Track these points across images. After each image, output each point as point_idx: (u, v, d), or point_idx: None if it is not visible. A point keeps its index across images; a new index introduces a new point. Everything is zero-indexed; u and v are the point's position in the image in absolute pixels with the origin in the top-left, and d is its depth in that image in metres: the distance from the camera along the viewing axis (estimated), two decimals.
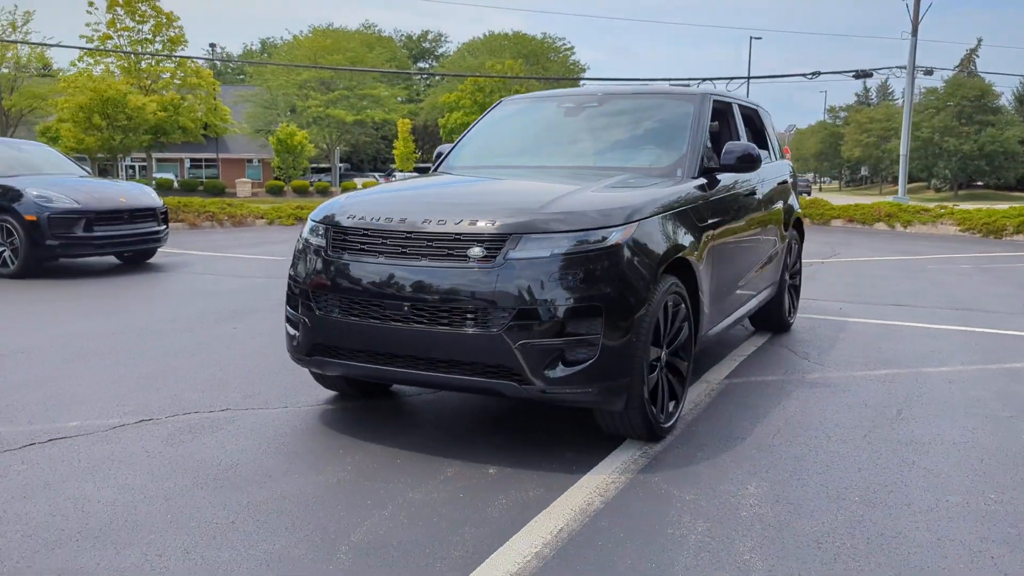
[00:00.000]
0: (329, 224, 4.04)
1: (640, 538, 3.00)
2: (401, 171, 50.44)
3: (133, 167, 57.78)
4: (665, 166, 4.66)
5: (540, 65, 64.86)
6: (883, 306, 7.86)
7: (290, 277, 4.15)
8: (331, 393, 4.75)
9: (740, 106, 5.83)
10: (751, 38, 54.02)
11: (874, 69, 29.69)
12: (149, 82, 43.69)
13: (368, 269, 3.78)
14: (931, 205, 18.15)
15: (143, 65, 44.00)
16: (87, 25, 44.55)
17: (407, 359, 3.74)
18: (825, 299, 8.19)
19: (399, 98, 62.63)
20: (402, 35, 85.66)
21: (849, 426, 4.25)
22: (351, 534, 3.02)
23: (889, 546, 2.94)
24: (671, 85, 7.29)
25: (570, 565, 2.79)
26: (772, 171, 6.04)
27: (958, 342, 6.29)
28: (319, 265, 3.96)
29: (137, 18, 43.49)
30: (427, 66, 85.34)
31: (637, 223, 3.74)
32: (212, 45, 49.92)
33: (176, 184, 47.16)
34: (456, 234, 3.65)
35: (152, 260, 11.22)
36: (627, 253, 3.64)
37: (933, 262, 11.96)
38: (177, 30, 44.35)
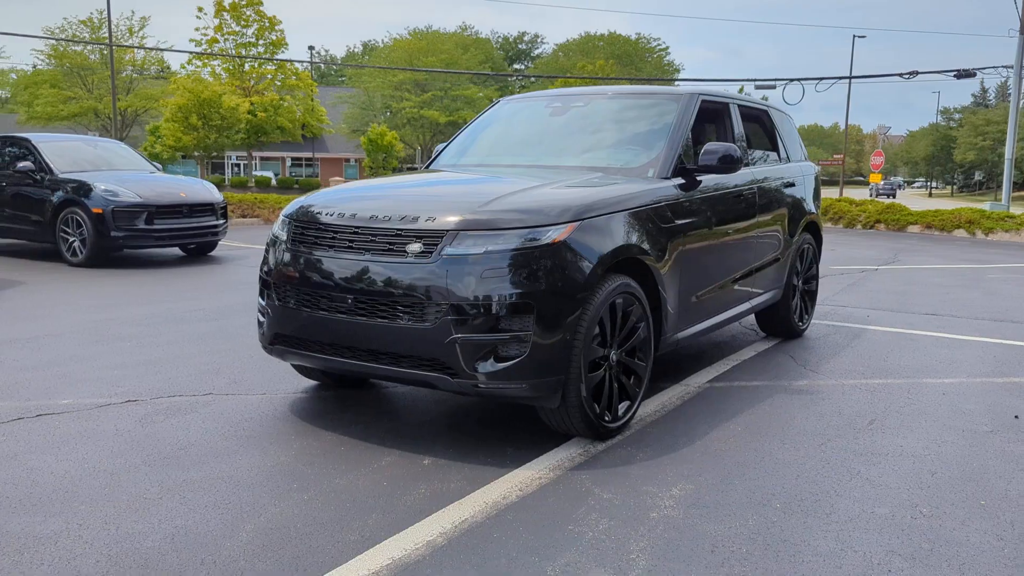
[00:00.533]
0: (291, 218, 4.20)
1: (537, 533, 3.03)
2: None
3: (238, 165, 60.30)
4: (638, 166, 4.65)
5: (633, 66, 64.35)
6: (916, 315, 7.56)
7: (260, 269, 4.33)
8: (311, 383, 4.92)
9: (742, 107, 5.73)
10: (854, 36, 52.14)
11: (977, 69, 28.14)
12: (251, 83, 45.49)
13: (319, 262, 3.92)
14: (1019, 212, 17.20)
15: (247, 68, 45.84)
16: (196, 30, 46.84)
17: (353, 351, 3.86)
18: (858, 306, 7.93)
19: (492, 99, 62.91)
20: (499, 36, 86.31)
21: (810, 434, 4.16)
22: (262, 515, 3.16)
23: (786, 553, 2.90)
24: (702, 84, 7.18)
25: (455, 554, 2.86)
26: (777, 173, 5.91)
27: (976, 353, 6.01)
28: (280, 258, 4.13)
29: (242, 22, 45.33)
30: (522, 67, 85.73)
31: (578, 222, 3.76)
32: (311, 47, 51.41)
33: (274, 182, 48.96)
34: (398, 230, 3.75)
35: (213, 253, 11.74)
36: (563, 252, 3.66)
37: (999, 271, 11.38)
38: (278, 33, 46.00)
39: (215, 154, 42.28)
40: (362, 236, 3.83)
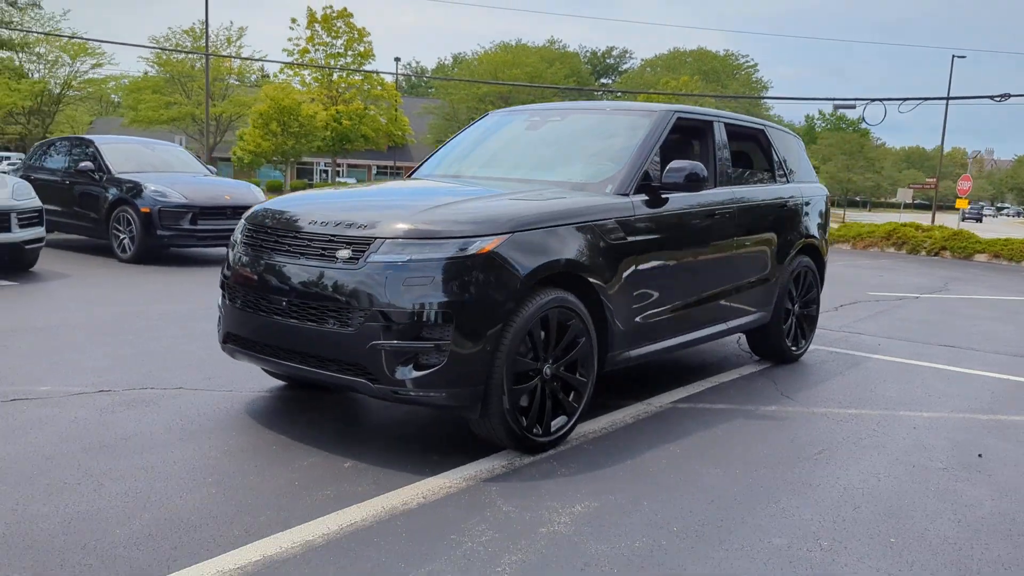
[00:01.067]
0: (247, 221, 4.36)
1: (416, 540, 3.07)
2: None
3: (326, 171, 62.03)
4: (596, 181, 4.64)
5: (719, 83, 63.51)
6: (931, 346, 7.26)
7: (221, 270, 4.50)
8: (278, 383, 5.06)
9: (731, 125, 5.65)
10: (953, 56, 50.20)
11: None
12: (338, 93, 46.75)
13: (261, 265, 4.05)
14: None
15: (335, 77, 47.15)
16: (289, 40, 48.48)
17: (287, 352, 3.98)
18: (874, 334, 7.66)
19: None
20: (587, 51, 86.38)
21: (749, 461, 4.07)
22: (163, 505, 3.28)
23: None
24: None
25: (325, 556, 2.92)
26: (766, 194, 5.80)
27: (974, 388, 5.76)
28: (233, 259, 4.29)
29: (333, 34, 46.69)
30: (609, 82, 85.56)
31: (507, 235, 3.78)
32: (397, 59, 52.12)
33: None
34: (331, 236, 3.85)
35: None
36: (488, 264, 3.69)
37: None
38: (366, 45, 47.19)
39: (298, 160, 43.52)
40: (299, 241, 3.95)
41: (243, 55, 51.63)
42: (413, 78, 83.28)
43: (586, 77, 76.03)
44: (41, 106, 51.36)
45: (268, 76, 50.70)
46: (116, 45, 65.19)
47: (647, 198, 4.63)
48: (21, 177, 11.69)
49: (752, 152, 6.08)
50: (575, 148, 5.10)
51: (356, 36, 47.02)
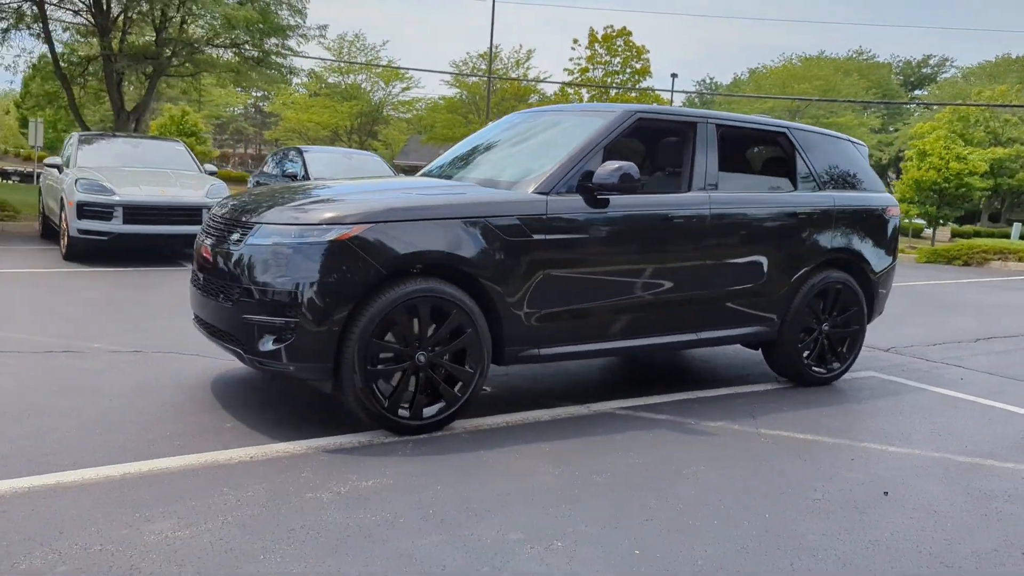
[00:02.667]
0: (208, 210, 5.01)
1: (204, 491, 3.39)
2: None
3: None
4: (520, 180, 4.69)
5: None
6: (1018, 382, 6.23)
7: None
8: None
9: (732, 127, 5.37)
10: None
11: None
12: None
13: (199, 248, 4.67)
14: None
15: (611, 94, 48.17)
16: (570, 60, 50.37)
17: (206, 325, 4.56)
18: (973, 368, 6.70)
19: (871, 128, 58.80)
20: (899, 60, 79.90)
21: (592, 469, 3.94)
22: (30, 421, 3.96)
23: (348, 551, 3.01)
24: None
25: (142, 481, 3.39)
26: (768, 201, 5.43)
27: (993, 429, 4.96)
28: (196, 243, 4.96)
29: (611, 52, 47.80)
30: (924, 93, 78.35)
31: (368, 224, 4.05)
32: (674, 75, 51.89)
33: None
34: (231, 220, 4.37)
35: None
36: (342, 250, 3.98)
37: None
38: (643, 62, 47.69)
39: None
40: (218, 225, 4.51)
41: (530, 76, 54.51)
42: (706, 94, 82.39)
43: (894, 88, 70.50)
44: (361, 125, 58.02)
45: (549, 96, 52.97)
46: (422, 72, 71.87)
47: (579, 198, 4.62)
48: (253, 180, 13.61)
49: (768, 156, 5.70)
50: (534, 148, 5.16)
51: (634, 53, 47.70)
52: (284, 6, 24.55)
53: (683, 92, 69.27)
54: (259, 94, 68.73)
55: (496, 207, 4.39)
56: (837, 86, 57.75)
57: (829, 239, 5.60)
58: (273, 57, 24.65)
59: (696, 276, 5.04)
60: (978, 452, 4.49)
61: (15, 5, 25.45)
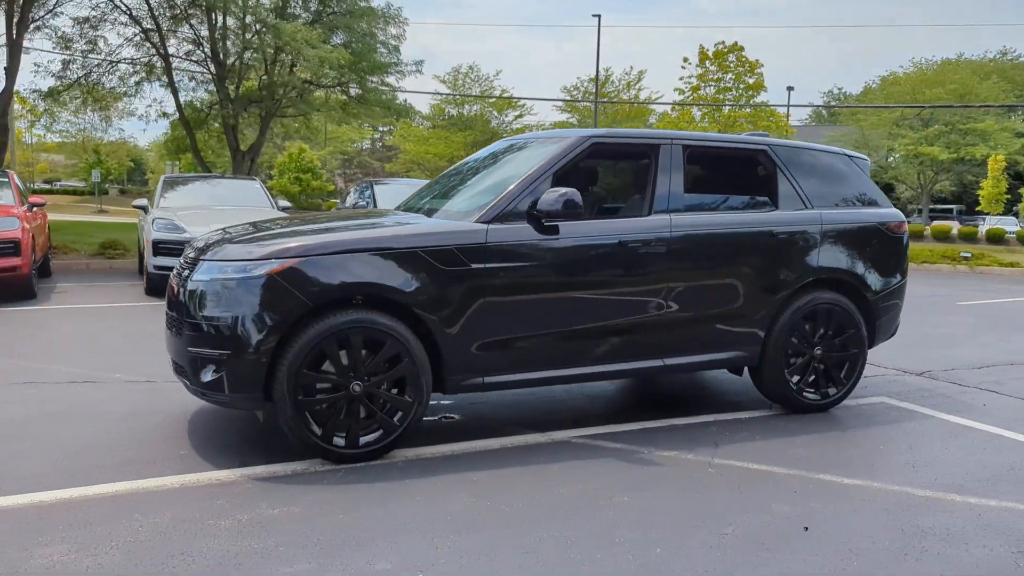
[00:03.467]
0: None
1: (93, 532, 3.55)
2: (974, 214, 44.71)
3: None
4: (467, 210, 4.75)
5: None
6: None
7: None
8: None
9: (701, 147, 5.25)
10: None
11: None
12: (726, 126, 46.73)
13: (169, 283, 4.93)
14: None
15: (725, 110, 47.26)
16: (680, 79, 49.68)
17: (172, 360, 4.79)
18: (1007, 393, 6.20)
19: (1016, 132, 54.89)
20: None
21: (533, 504, 3.90)
22: (63, 443, 4.30)
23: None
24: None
25: (90, 505, 3.66)
26: (742, 221, 5.25)
27: (982, 459, 4.59)
28: None
29: (723, 68, 46.94)
30: None
31: (297, 259, 4.21)
32: (790, 88, 50.42)
33: None
34: (194, 257, 4.61)
35: None
36: (270, 285, 4.15)
37: None
38: (757, 76, 46.55)
39: None
40: (184, 262, 4.75)
41: (641, 97, 54.21)
42: (831, 106, 79.40)
43: None
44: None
45: (660, 115, 52.50)
46: (534, 100, 73.01)
47: (525, 226, 4.63)
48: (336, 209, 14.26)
49: (750, 176, 5.51)
50: (493, 178, 5.19)
51: (747, 69, 46.66)
52: (379, 45, 25.51)
53: (803, 106, 67.19)
54: (384, 129, 71.51)
55: (431, 238, 4.46)
56: (975, 90, 54.45)
57: (815, 259, 5.36)
58: (374, 94, 25.64)
59: (657, 302, 4.93)
60: (944, 486, 4.18)
61: (145, 60, 27.43)
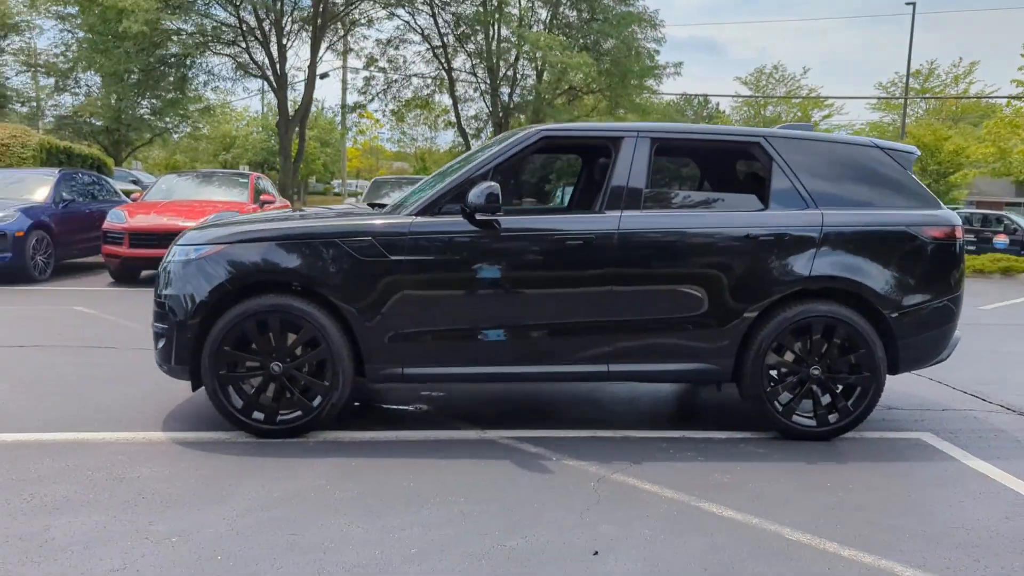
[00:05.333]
0: None
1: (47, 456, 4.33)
2: None
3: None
4: (409, 204, 4.84)
5: None
6: None
7: None
8: None
9: (678, 139, 4.86)
10: None
11: None
12: None
13: None
14: None
15: None
16: (1019, 69, 43.16)
17: None
18: None
19: None
20: None
21: (370, 494, 3.98)
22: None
23: None
24: None
25: (41, 446, 4.46)
26: (713, 221, 4.75)
27: (949, 515, 3.76)
28: None
29: None
30: None
31: (223, 245, 4.62)
32: None
33: None
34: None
35: None
36: (200, 268, 4.59)
37: None
38: None
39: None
40: None
41: (971, 92, 48.38)
42: None
43: None
44: None
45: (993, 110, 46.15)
46: (843, 99, 68.09)
47: (457, 220, 4.65)
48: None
49: (741, 171, 4.97)
50: (452, 173, 5.15)
51: None
52: (634, 52, 25.55)
53: None
54: None
55: (351, 229, 4.63)
56: None
57: (806, 265, 4.70)
58: (627, 99, 25.79)
59: (599, 304, 4.66)
60: (838, 536, 3.53)
61: (434, 74, 29.96)
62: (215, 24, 24.72)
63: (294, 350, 4.59)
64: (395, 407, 5.40)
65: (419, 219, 4.64)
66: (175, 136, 40.31)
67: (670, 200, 4.92)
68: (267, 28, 24.34)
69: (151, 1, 19.41)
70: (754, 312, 4.70)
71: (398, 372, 4.67)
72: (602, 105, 28.39)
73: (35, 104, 44.56)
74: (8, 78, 41.13)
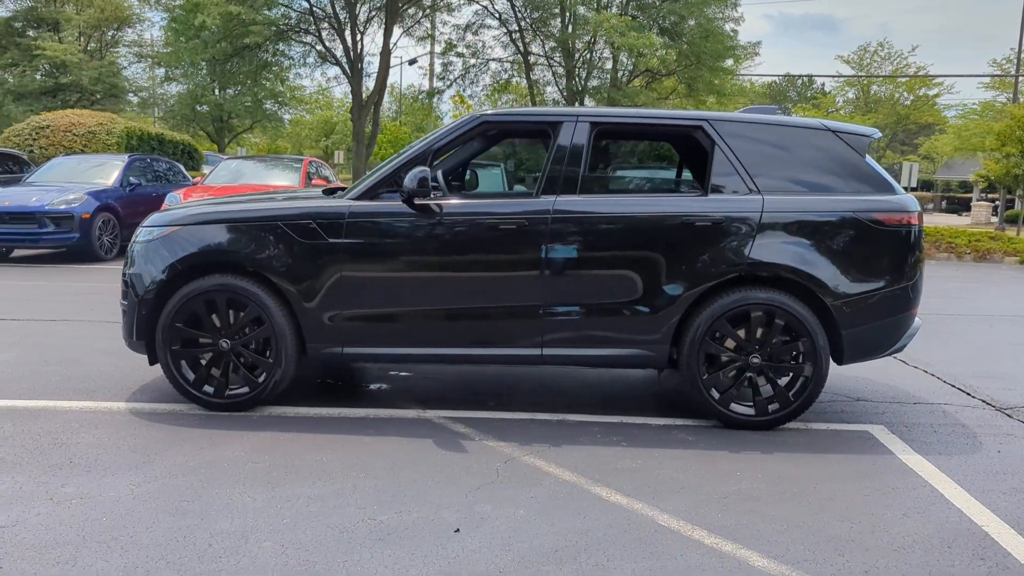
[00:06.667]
0: None
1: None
2: None
3: None
4: (346, 190, 5.00)
5: None
6: None
7: None
8: None
9: (617, 123, 4.86)
10: None
11: None
12: None
13: None
14: None
15: None
16: None
17: None
18: None
19: None
20: None
21: (270, 465, 4.17)
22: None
23: None
24: None
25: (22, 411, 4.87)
26: (648, 206, 4.74)
27: (828, 518, 3.67)
28: None
29: None
30: None
31: (177, 227, 4.89)
32: None
33: None
34: None
35: None
36: (156, 247, 4.87)
37: None
38: None
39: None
40: None
41: None
42: None
43: None
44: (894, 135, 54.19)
45: None
46: (953, 78, 64.62)
47: (395, 204, 4.78)
48: None
49: (682, 155, 4.90)
50: (398, 158, 5.27)
51: None
52: (711, 33, 24.97)
53: None
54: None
55: (293, 213, 4.81)
56: None
57: (743, 252, 4.62)
58: (705, 82, 25.27)
59: (532, 288, 4.71)
60: (712, 525, 3.51)
61: (511, 59, 30.09)
62: (287, 14, 25.49)
63: (242, 328, 4.80)
64: (361, 386, 5.57)
65: (358, 203, 4.78)
66: (271, 123, 41.71)
67: (608, 185, 4.90)
68: (343, 17, 24.95)
69: None
70: (689, 298, 4.65)
71: (338, 351, 4.83)
72: (681, 88, 27.89)
73: (146, 94, 47.05)
74: (123, 68, 43.59)
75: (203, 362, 4.89)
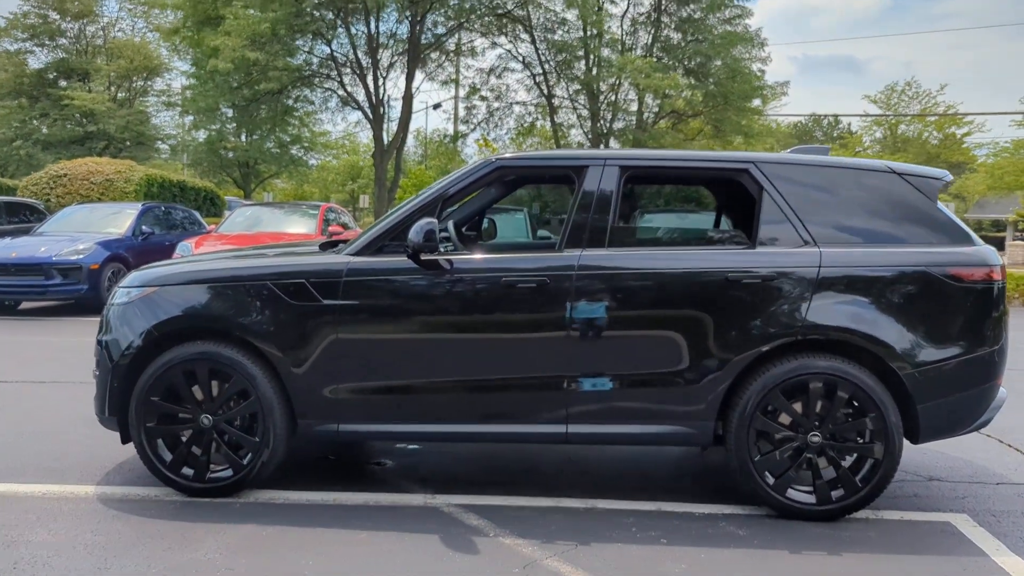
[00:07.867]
0: None
1: None
2: None
3: None
4: (345, 245, 4.45)
5: None
6: None
7: None
8: None
9: (655, 167, 4.27)
10: None
11: None
12: None
13: None
14: None
15: None
16: None
17: None
18: None
19: None
20: None
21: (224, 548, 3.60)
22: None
23: None
24: None
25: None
26: (685, 261, 4.10)
27: None
28: None
29: None
30: None
31: (154, 288, 4.34)
32: None
33: None
34: None
35: None
36: (130, 311, 4.34)
37: None
38: None
39: None
40: None
41: None
42: None
43: None
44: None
45: None
46: (984, 116, 63.80)
47: (401, 260, 4.21)
48: None
49: (720, 203, 4.30)
50: (402, 208, 4.73)
51: None
52: (739, 74, 24.54)
53: None
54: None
55: (283, 271, 4.25)
56: None
57: (800, 313, 3.98)
58: (731, 123, 24.78)
59: (556, 356, 4.09)
60: None
61: (535, 102, 29.85)
62: (308, 60, 25.37)
63: (226, 402, 4.23)
64: (361, 463, 4.95)
65: (357, 259, 4.22)
66: (297, 168, 41.67)
67: (641, 237, 4.29)
68: (365, 63, 24.78)
69: (237, 40, 20.02)
70: (737, 367, 4.01)
71: (332, 429, 4.23)
72: (708, 129, 27.39)
73: (175, 141, 47.39)
74: (152, 116, 43.96)
75: (182, 440, 4.30)
